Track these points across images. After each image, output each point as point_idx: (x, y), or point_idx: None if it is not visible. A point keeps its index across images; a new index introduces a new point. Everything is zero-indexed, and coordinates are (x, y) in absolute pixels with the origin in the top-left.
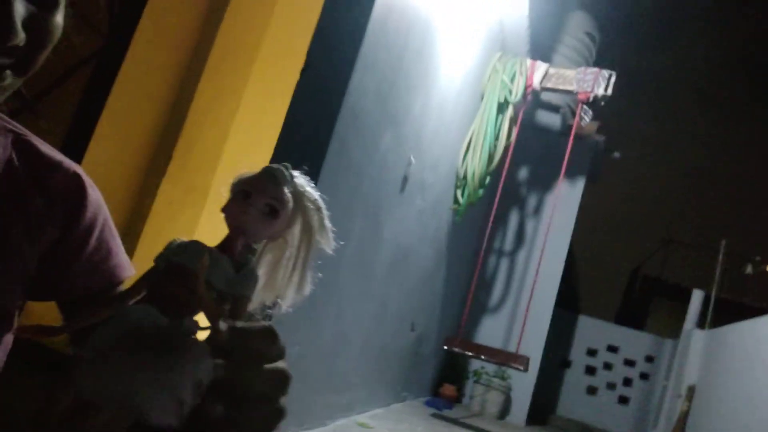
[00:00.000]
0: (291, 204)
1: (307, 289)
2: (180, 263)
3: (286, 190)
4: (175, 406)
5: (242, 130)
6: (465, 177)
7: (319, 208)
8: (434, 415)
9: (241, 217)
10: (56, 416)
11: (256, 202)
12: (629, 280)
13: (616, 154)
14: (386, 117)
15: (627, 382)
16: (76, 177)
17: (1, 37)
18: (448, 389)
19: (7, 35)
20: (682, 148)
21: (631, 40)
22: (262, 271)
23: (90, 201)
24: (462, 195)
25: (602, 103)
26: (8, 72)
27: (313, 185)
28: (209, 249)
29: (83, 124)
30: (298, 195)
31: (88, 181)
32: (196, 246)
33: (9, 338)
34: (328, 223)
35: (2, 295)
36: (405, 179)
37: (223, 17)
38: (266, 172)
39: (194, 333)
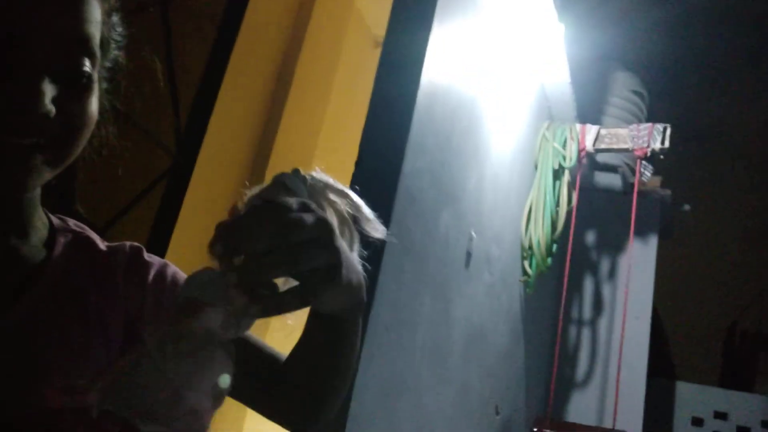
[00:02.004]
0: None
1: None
2: (181, 299)
3: (301, 194)
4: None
5: None
6: (530, 247)
7: (346, 197)
8: None
9: None
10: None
11: None
12: (727, 338)
13: (686, 207)
14: (443, 196)
15: None
16: (134, 248)
17: (29, 108)
18: None
19: (35, 105)
20: (762, 194)
21: (683, 92)
22: None
23: (152, 261)
24: (530, 265)
25: (661, 157)
26: (39, 156)
27: (334, 180)
28: (208, 273)
29: (159, 241)
30: (319, 192)
31: (146, 252)
32: (197, 276)
33: None
34: (365, 209)
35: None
36: (468, 255)
37: (277, 129)
38: (276, 181)
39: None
